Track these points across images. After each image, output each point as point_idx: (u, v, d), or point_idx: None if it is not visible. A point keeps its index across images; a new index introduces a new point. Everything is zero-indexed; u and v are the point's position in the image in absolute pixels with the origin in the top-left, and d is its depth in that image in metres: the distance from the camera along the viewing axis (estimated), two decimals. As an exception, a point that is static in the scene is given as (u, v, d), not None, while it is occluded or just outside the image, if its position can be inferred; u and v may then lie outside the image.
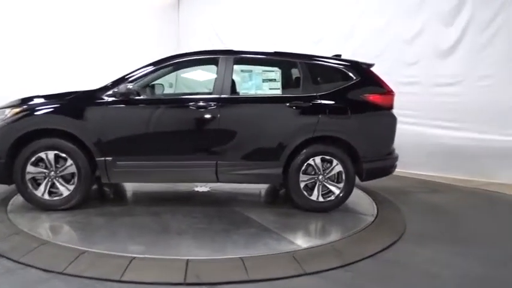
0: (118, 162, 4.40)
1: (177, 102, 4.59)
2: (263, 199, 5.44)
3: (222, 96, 4.51)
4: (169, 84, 4.97)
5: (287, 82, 4.80)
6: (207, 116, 4.44)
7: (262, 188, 5.68)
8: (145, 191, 5.39)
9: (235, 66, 4.63)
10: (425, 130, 6.93)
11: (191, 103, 4.45)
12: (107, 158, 4.39)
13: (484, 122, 6.38)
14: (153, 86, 4.83)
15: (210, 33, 10.20)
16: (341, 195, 4.64)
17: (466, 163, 6.55)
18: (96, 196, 5.11)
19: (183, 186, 5.54)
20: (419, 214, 4.92)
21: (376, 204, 5.09)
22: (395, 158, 4.87)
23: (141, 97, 4.48)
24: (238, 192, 5.41)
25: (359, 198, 5.26)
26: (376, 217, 4.62)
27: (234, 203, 4.92)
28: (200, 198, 5.17)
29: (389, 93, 4.76)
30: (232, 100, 4.56)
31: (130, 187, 5.58)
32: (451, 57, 6.67)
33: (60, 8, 8.44)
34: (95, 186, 5.25)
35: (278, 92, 4.66)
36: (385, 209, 4.92)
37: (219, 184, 5.33)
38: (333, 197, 4.64)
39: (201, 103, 4.45)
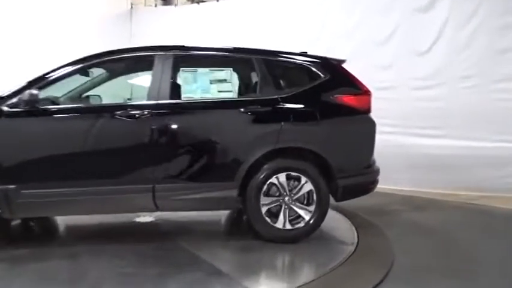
0: (23, 191, 3.38)
1: (99, 111, 3.61)
2: (222, 228, 4.49)
3: (159, 102, 3.58)
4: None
5: (241, 83, 3.94)
6: (139, 127, 3.50)
7: (222, 214, 4.72)
8: (75, 224, 4.35)
9: (177, 66, 3.73)
10: (404, 139, 6.16)
11: (118, 112, 3.50)
12: (8, 187, 3.36)
13: (470, 127, 5.67)
14: (87, 98, 3.88)
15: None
16: (312, 220, 3.74)
17: (452, 175, 5.81)
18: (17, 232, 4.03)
19: (122, 216, 4.52)
20: (407, 239, 4.09)
21: (356, 228, 4.21)
22: (377, 172, 4.02)
23: (52, 106, 3.50)
24: (190, 221, 4.43)
25: (335, 222, 4.36)
26: (357, 246, 3.74)
27: (182, 236, 3.93)
28: (139, 231, 4.17)
29: (366, 93, 3.94)
30: (170, 107, 3.64)
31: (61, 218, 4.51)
32: (429, 57, 5.98)
33: (7, 17, 7.42)
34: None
35: (230, 96, 3.78)
36: (367, 235, 4.05)
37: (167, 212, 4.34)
38: (302, 223, 3.74)
39: (130, 111, 3.50)
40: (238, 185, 3.62)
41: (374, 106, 4.06)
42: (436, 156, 5.90)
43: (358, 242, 3.83)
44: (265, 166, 3.67)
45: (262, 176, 3.65)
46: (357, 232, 4.09)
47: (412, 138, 6.11)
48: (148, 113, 3.51)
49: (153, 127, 3.50)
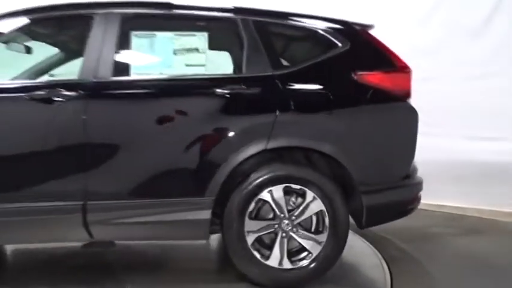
0: None
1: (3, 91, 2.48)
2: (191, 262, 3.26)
3: (93, 80, 2.44)
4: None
5: (221, 54, 2.76)
6: (62, 116, 2.37)
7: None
8: None
9: (126, 29, 2.58)
10: (449, 143, 4.81)
11: (32, 93, 2.38)
12: None
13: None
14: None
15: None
16: (323, 255, 2.52)
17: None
18: None
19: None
20: (462, 280, 2.79)
21: (388, 264, 2.95)
22: (418, 185, 2.77)
23: None
24: (144, 251, 3.25)
25: (356, 255, 3.12)
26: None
27: (133, 276, 2.76)
28: (58, 267, 2.99)
29: (403, 70, 2.72)
30: (112, 87, 2.50)
31: None
32: (483, 38, 4.67)
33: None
34: None
35: (202, 71, 2.62)
36: (404, 275, 2.80)
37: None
38: (308, 260, 2.53)
39: (48, 92, 2.38)
40: (211, 203, 2.44)
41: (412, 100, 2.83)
42: (492, 164, 4.55)
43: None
44: (253, 175, 2.49)
45: (247, 190, 2.47)
46: (389, 271, 2.84)
47: (460, 140, 4.76)
48: (78, 95, 2.38)
49: (84, 117, 2.37)
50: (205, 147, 2.45)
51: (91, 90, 2.41)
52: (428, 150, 4.28)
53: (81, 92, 2.39)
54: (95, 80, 2.43)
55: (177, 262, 3.17)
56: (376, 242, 3.42)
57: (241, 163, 2.47)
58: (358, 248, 3.22)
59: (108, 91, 2.47)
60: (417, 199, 2.76)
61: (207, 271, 2.93)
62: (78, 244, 2.82)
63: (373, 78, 2.61)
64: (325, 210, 2.51)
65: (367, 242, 3.41)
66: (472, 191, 4.63)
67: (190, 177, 2.46)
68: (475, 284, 2.77)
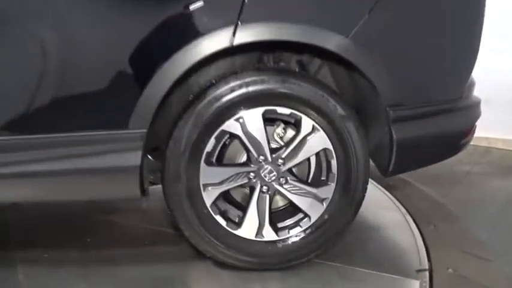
0: None
1: None
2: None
3: None
4: None
5: None
6: None
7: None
8: None
9: None
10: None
11: None
12: None
13: None
14: None
15: None
16: (327, 219, 1.57)
17: None
18: None
19: None
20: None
21: (419, 228, 2.02)
22: (476, 110, 1.77)
23: None
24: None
25: (376, 215, 2.18)
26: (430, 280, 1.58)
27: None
28: None
29: None
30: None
31: None
32: None
33: None
34: None
35: None
36: (437, 234, 1.91)
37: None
38: (302, 228, 1.58)
39: None
40: (141, 140, 1.43)
41: None
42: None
43: (430, 269, 1.68)
44: (210, 92, 1.46)
45: (202, 117, 1.45)
46: (423, 239, 1.92)
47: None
48: None
49: None
50: (123, 47, 1.40)
51: None
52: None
53: None
54: None
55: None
56: (394, 189, 2.49)
57: (189, 72, 1.43)
58: (376, 201, 2.27)
59: None
60: (472, 130, 1.77)
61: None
62: None
63: None
64: (331, 148, 1.53)
65: (383, 189, 2.48)
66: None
67: (103, 98, 1.42)
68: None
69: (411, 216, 2.14)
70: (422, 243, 1.89)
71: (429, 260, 1.75)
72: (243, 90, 1.46)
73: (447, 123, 1.66)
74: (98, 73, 1.39)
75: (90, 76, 1.39)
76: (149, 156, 1.65)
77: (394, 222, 2.10)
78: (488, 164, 3.18)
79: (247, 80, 1.46)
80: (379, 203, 2.30)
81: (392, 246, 1.92)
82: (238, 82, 1.46)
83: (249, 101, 1.47)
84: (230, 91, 1.45)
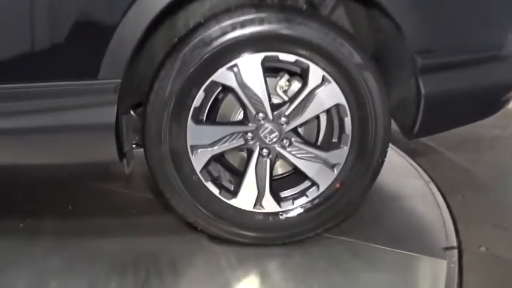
0: None
1: None
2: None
3: None
4: None
5: None
6: None
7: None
8: None
9: None
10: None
11: None
12: None
13: None
14: None
15: None
16: (339, 187, 1.32)
17: None
18: None
19: None
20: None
21: (447, 202, 1.75)
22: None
23: None
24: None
25: (395, 183, 1.93)
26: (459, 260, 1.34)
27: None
28: None
29: None
30: None
31: None
32: None
33: None
34: None
35: None
36: (467, 207, 1.66)
37: None
38: (309, 199, 1.34)
39: None
40: (114, 92, 1.19)
41: None
42: None
43: (459, 245, 1.44)
44: (199, 32, 1.20)
45: (188, 64, 1.20)
46: (450, 212, 1.67)
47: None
48: None
49: None
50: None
51: None
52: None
53: None
54: None
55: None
56: (416, 154, 2.23)
57: (171, 8, 1.17)
58: (391, 166, 2.02)
59: None
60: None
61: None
62: None
63: None
64: (345, 104, 1.27)
65: (403, 154, 2.22)
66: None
67: (60, 36, 1.17)
68: None
69: (436, 185, 1.89)
70: (449, 216, 1.65)
71: (457, 236, 1.51)
72: (238, 32, 1.19)
73: (487, 75, 1.37)
74: (57, 8, 1.14)
75: (48, 12, 1.14)
76: (132, 113, 1.42)
77: (416, 192, 1.85)
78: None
79: (243, 19, 1.19)
80: (398, 170, 2.05)
81: (414, 219, 1.67)
82: (231, 21, 1.19)
83: (245, 45, 1.21)
84: (222, 33, 1.19)
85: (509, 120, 2.87)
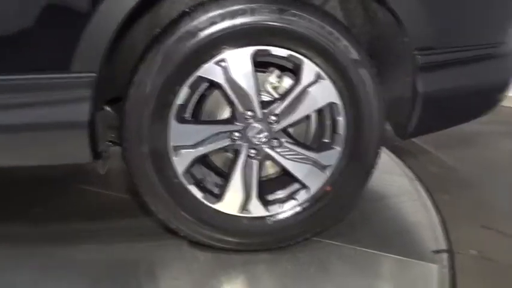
0: None
1: None
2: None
3: None
4: None
5: None
6: None
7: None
8: None
9: None
10: None
11: None
12: None
13: None
14: None
15: None
16: (330, 190, 1.25)
17: None
18: None
19: None
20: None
21: (434, 201, 1.71)
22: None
23: None
24: None
25: (381, 181, 1.85)
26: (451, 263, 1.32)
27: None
28: None
29: None
30: None
31: None
32: None
33: None
34: None
35: None
36: (453, 206, 1.64)
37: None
38: (298, 202, 1.27)
39: None
40: (90, 87, 1.07)
41: None
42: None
43: (449, 249, 1.40)
44: (183, 24, 1.09)
45: (172, 58, 1.09)
46: (438, 212, 1.63)
47: None
48: None
49: None
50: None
51: None
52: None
53: None
54: None
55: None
56: (399, 150, 2.18)
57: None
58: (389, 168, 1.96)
59: None
60: (507, 84, 1.44)
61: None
62: None
63: None
64: (340, 103, 1.19)
65: (386, 150, 2.17)
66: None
67: (29, 24, 1.04)
68: None
69: (422, 183, 1.85)
70: (436, 216, 1.61)
71: (447, 238, 1.47)
72: (227, 23, 1.09)
73: (482, 73, 1.32)
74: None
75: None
76: (108, 109, 1.30)
77: (401, 190, 1.81)
78: (500, 123, 2.88)
79: (232, 9, 1.09)
80: (382, 167, 1.99)
81: (401, 219, 1.63)
82: (220, 12, 1.09)
83: (234, 38, 1.11)
84: (209, 24, 1.09)
85: (489, 115, 2.88)
